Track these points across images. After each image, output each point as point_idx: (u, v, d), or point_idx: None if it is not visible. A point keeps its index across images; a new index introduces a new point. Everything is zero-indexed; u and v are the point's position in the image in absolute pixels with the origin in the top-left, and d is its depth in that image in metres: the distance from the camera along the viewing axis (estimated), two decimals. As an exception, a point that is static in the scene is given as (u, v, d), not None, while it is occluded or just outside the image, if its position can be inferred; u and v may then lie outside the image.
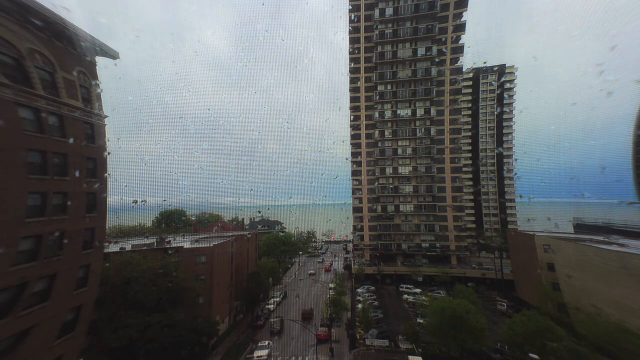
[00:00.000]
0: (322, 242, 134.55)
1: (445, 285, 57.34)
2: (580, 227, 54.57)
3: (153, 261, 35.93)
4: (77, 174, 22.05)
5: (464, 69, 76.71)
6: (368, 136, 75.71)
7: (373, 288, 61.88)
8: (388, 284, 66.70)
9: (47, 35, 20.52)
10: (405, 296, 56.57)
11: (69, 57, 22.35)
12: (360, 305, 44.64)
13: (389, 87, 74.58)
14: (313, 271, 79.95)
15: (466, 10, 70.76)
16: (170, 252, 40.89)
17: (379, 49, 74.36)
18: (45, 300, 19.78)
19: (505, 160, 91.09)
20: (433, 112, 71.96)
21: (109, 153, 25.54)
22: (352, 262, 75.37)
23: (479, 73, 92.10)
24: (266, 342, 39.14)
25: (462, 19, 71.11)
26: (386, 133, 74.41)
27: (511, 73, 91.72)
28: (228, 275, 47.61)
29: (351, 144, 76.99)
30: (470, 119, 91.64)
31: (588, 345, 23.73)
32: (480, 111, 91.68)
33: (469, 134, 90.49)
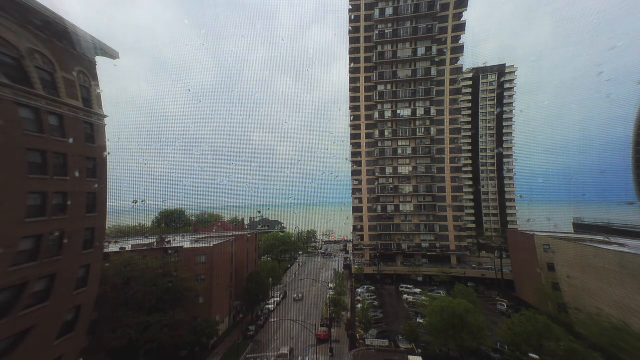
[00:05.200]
0: (322, 242, 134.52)
1: (445, 285, 57.36)
2: (580, 227, 54.57)
3: (153, 261, 35.94)
4: (77, 174, 22.05)
5: (464, 69, 76.69)
6: (368, 136, 75.68)
7: (373, 288, 61.87)
8: (388, 284, 66.70)
9: (47, 35, 20.52)
10: (405, 296, 56.56)
11: (69, 57, 22.35)
12: (360, 305, 44.64)
13: (389, 87, 74.55)
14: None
15: (466, 10, 70.75)
16: (170, 252, 40.89)
17: (379, 49, 74.32)
18: (45, 300, 19.78)
19: (505, 160, 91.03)
20: (433, 112, 71.91)
21: (109, 153, 25.54)
22: (352, 262, 75.38)
23: (479, 73, 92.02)
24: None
25: (462, 19, 71.09)
26: (386, 133, 74.38)
27: (511, 73, 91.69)
28: (228, 276, 47.61)
29: (351, 144, 76.95)
30: (470, 119, 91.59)
31: (587, 345, 23.73)
32: (480, 111, 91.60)
33: (469, 134, 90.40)
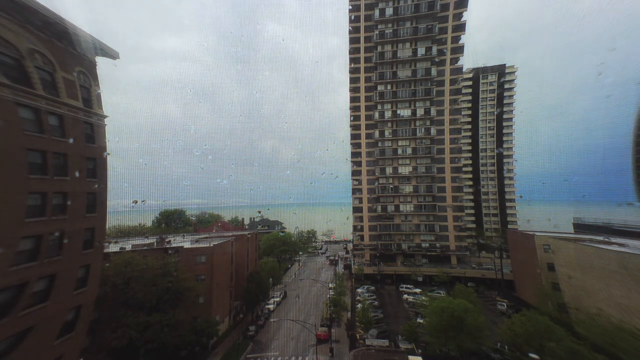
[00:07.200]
0: (322, 242, 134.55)
1: (445, 285, 57.36)
2: (580, 227, 54.58)
3: (153, 261, 35.93)
4: (77, 174, 22.05)
5: (464, 69, 76.69)
6: (368, 136, 75.68)
7: (373, 288, 61.86)
8: (388, 284, 66.70)
9: (47, 35, 20.51)
10: (405, 296, 56.55)
11: (69, 57, 22.35)
12: (360, 305, 44.64)
13: (389, 87, 74.54)
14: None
15: (466, 11, 70.74)
16: (170, 252, 40.91)
17: (379, 49, 74.31)
18: (45, 300, 19.77)
19: (505, 160, 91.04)
20: (433, 112, 71.91)
21: (109, 153, 25.54)
22: (352, 262, 75.38)
23: (479, 73, 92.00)
24: None
25: (462, 19, 71.08)
26: (386, 133, 74.39)
27: (511, 73, 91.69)
28: (228, 275, 47.62)
29: (351, 144, 76.94)
30: (470, 119, 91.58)
31: (587, 345, 23.70)
32: (480, 111, 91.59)
33: (469, 134, 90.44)
